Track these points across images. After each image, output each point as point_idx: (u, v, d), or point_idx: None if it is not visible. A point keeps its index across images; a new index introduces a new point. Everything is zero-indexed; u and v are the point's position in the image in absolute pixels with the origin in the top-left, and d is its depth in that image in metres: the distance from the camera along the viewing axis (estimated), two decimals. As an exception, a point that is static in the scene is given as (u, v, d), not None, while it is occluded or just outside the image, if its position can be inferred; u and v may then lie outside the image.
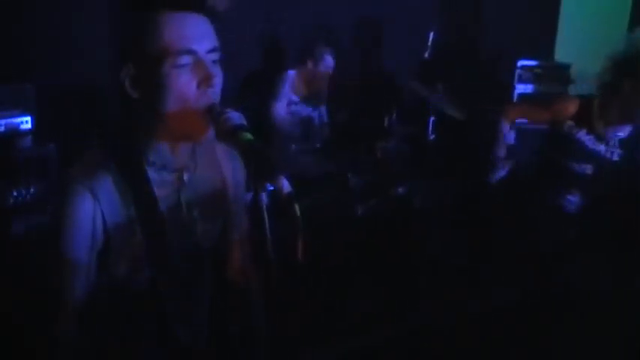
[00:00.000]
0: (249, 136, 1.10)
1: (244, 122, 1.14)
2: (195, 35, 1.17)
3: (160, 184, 1.26)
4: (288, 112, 3.82)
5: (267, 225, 1.08)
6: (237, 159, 1.41)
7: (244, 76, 3.97)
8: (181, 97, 1.16)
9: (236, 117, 1.15)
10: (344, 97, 4.12)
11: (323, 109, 3.99)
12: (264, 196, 1.06)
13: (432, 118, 3.82)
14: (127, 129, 1.25)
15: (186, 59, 1.15)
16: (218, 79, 1.20)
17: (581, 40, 4.65)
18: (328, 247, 3.25)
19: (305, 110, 3.92)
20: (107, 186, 1.20)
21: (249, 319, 1.55)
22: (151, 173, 1.25)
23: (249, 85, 3.90)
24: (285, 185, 1.04)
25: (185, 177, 1.29)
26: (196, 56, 1.16)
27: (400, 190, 3.72)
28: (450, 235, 3.94)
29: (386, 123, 3.82)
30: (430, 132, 3.83)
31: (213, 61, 1.19)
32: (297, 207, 1.02)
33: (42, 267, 1.26)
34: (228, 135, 1.12)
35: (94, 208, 1.18)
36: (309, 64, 3.81)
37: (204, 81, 1.16)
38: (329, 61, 3.81)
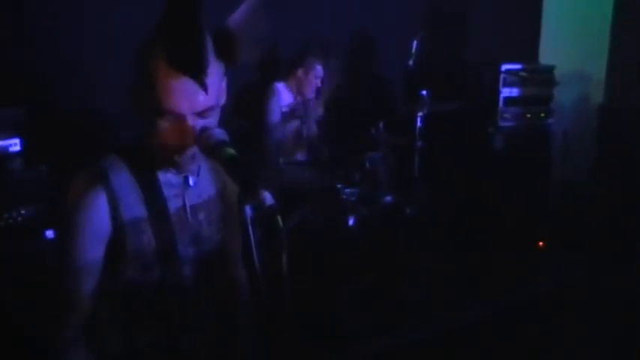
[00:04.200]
0: (231, 151, 1.12)
1: (226, 138, 1.17)
2: (186, 100, 1.19)
3: (168, 186, 1.32)
4: (277, 124, 3.82)
5: (251, 238, 1.10)
6: None
7: (236, 90, 3.98)
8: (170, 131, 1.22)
9: (218, 133, 1.18)
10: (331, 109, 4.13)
11: (311, 121, 3.99)
12: (248, 210, 1.07)
13: (420, 127, 3.83)
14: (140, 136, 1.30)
15: (172, 118, 1.20)
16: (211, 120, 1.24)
17: (564, 42, 4.70)
18: (319, 258, 3.25)
19: (293, 122, 3.93)
20: (123, 182, 1.25)
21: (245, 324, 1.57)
22: (160, 175, 1.31)
23: (241, 100, 3.90)
24: (268, 199, 1.06)
25: (190, 181, 1.34)
26: (183, 117, 1.20)
27: (389, 199, 3.72)
28: (441, 242, 3.95)
29: (373, 133, 3.82)
30: (417, 141, 3.84)
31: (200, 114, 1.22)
32: (280, 220, 1.04)
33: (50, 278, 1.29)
34: (211, 151, 1.15)
35: (108, 204, 1.23)
36: (299, 73, 3.81)
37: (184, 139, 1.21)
38: (319, 71, 3.81)
